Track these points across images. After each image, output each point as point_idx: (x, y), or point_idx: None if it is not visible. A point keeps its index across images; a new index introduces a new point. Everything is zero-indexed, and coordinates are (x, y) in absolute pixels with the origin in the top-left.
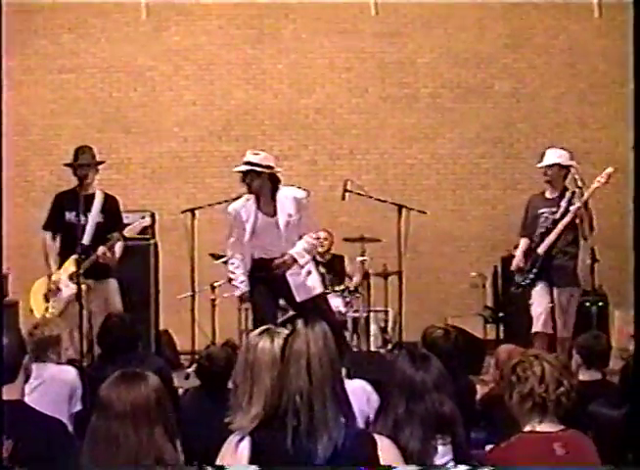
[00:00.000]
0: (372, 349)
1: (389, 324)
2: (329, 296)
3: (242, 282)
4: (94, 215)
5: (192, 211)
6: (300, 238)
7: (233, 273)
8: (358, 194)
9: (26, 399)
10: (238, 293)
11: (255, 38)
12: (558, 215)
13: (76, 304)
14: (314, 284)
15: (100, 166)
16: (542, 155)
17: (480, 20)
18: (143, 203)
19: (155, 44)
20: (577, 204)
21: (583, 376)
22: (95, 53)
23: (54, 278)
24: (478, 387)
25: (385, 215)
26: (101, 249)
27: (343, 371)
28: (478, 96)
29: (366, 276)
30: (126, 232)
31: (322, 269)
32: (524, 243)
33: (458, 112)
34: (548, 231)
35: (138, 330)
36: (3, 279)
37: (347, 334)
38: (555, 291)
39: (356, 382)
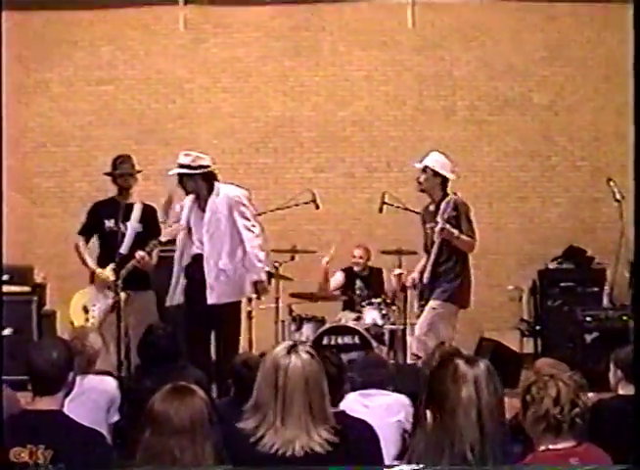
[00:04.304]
0: (409, 361)
1: None
2: (366, 308)
3: (177, 293)
4: (133, 225)
5: None
6: (236, 236)
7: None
8: (395, 206)
9: (65, 409)
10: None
11: (293, 51)
12: (437, 231)
13: (114, 314)
14: (234, 290)
15: (138, 178)
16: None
17: (518, 32)
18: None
19: (192, 56)
20: (440, 223)
21: (623, 390)
22: (133, 65)
23: (98, 272)
24: (514, 400)
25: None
26: (140, 253)
27: None
28: (515, 109)
29: (403, 289)
30: (162, 237)
31: (360, 283)
32: (422, 260)
33: (495, 124)
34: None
35: (179, 342)
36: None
37: (384, 347)
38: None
39: (394, 396)
